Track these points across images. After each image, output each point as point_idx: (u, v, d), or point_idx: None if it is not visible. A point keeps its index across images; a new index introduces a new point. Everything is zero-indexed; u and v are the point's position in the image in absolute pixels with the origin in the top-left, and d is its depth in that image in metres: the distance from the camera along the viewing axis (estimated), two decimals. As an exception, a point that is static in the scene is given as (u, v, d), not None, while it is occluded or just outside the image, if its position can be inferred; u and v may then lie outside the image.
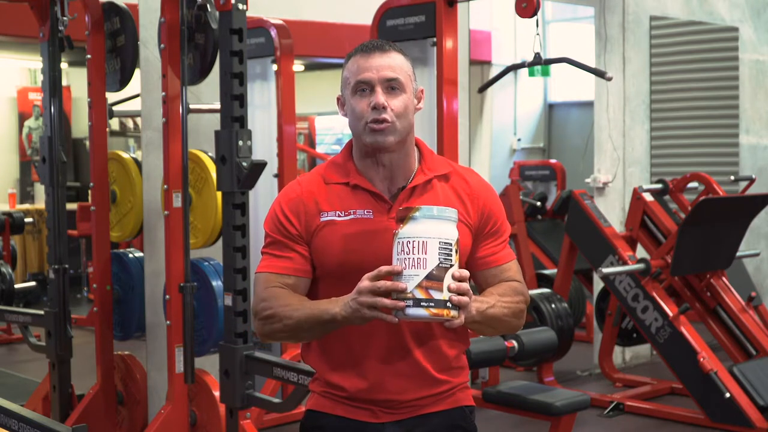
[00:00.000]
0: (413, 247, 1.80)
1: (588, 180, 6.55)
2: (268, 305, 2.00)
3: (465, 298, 1.82)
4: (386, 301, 1.81)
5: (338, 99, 2.10)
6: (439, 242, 1.81)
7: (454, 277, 1.81)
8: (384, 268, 1.82)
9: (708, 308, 5.75)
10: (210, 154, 4.36)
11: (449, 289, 1.80)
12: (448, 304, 1.80)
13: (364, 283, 1.83)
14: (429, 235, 1.81)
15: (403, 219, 1.84)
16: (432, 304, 1.79)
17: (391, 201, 2.03)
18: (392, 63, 2.02)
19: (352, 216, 2.00)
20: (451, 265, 1.81)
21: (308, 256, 2.03)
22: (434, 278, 1.79)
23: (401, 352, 2.01)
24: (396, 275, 1.81)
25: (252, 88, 5.00)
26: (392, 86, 2.00)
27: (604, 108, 6.49)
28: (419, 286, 1.79)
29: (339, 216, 2.01)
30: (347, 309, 1.87)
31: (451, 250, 1.82)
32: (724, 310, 5.67)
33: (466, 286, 1.83)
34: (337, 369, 2.04)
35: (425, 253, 1.80)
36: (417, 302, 1.79)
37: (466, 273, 1.84)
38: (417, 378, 2.03)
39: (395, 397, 2.02)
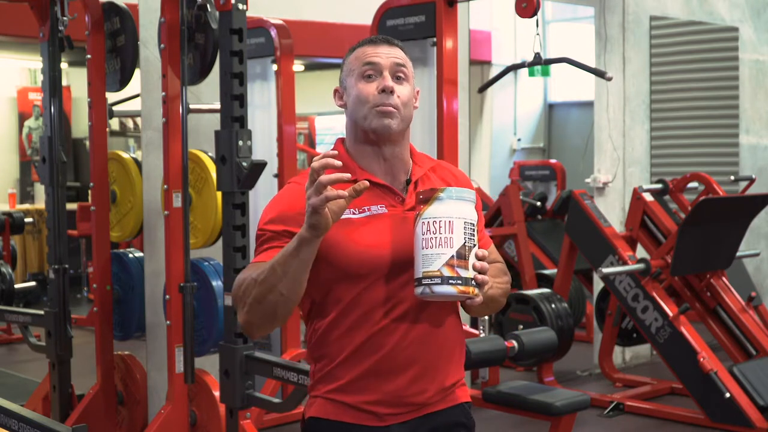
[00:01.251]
0: (440, 227, 1.84)
1: (588, 180, 6.55)
2: (241, 279, 1.93)
3: (487, 277, 1.87)
4: (327, 178, 1.76)
5: (335, 90, 2.09)
6: (464, 222, 1.85)
7: (476, 256, 1.86)
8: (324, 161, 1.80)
9: (708, 308, 5.75)
10: (210, 154, 4.36)
11: (474, 268, 1.85)
12: (472, 282, 1.85)
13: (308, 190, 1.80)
14: (455, 215, 1.85)
15: (427, 200, 1.87)
16: (459, 281, 1.83)
17: (402, 193, 2.02)
18: (399, 54, 2.05)
19: (367, 213, 1.98)
20: (474, 245, 1.86)
21: None
22: (461, 257, 1.83)
23: (414, 343, 1.98)
24: None
25: (252, 88, 5.00)
26: (399, 75, 2.02)
27: (604, 108, 6.49)
28: (447, 264, 1.83)
29: (354, 214, 1.97)
30: (305, 222, 1.81)
31: (474, 230, 1.87)
32: (724, 310, 5.67)
33: (487, 265, 1.87)
34: (345, 360, 1.99)
35: (452, 233, 1.84)
36: (445, 280, 1.82)
37: (486, 253, 1.89)
38: (430, 367, 2.00)
39: (402, 387, 1.98)
